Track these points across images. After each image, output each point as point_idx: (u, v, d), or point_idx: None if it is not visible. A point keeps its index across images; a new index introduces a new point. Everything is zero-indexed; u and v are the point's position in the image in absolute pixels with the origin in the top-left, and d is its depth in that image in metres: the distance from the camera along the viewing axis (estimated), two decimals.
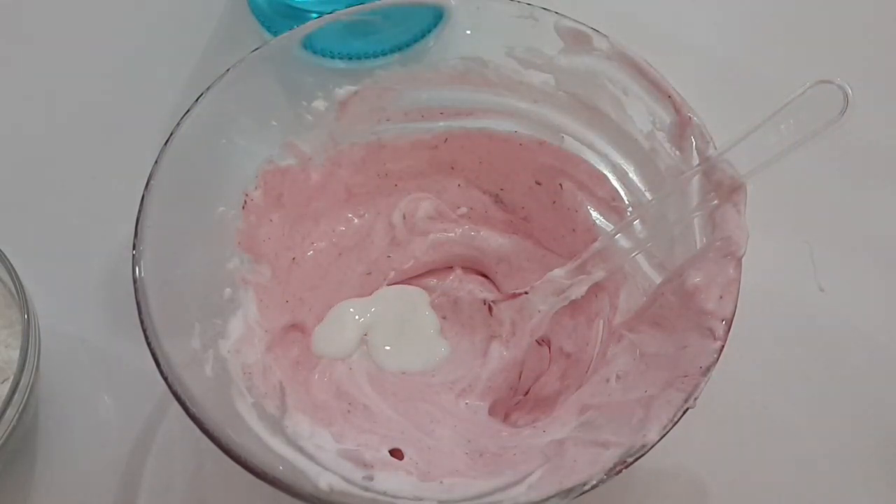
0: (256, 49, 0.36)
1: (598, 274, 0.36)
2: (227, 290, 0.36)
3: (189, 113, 0.34)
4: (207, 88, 0.35)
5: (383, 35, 0.41)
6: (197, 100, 0.34)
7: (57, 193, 0.46)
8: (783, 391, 0.40)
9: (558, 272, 0.37)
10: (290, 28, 0.46)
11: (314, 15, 0.47)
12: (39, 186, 0.46)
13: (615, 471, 0.27)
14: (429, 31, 0.47)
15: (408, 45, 0.41)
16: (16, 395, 0.34)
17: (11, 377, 0.35)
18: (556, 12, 0.35)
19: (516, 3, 0.36)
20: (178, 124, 0.34)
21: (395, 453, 0.34)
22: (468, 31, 0.38)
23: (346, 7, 0.46)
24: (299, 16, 0.48)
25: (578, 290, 0.37)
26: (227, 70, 0.35)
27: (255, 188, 0.37)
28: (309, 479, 0.29)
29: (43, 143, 0.47)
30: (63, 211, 0.45)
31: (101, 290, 0.42)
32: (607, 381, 0.34)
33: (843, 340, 0.41)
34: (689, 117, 0.33)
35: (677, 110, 0.33)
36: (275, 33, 0.49)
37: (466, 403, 0.37)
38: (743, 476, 0.38)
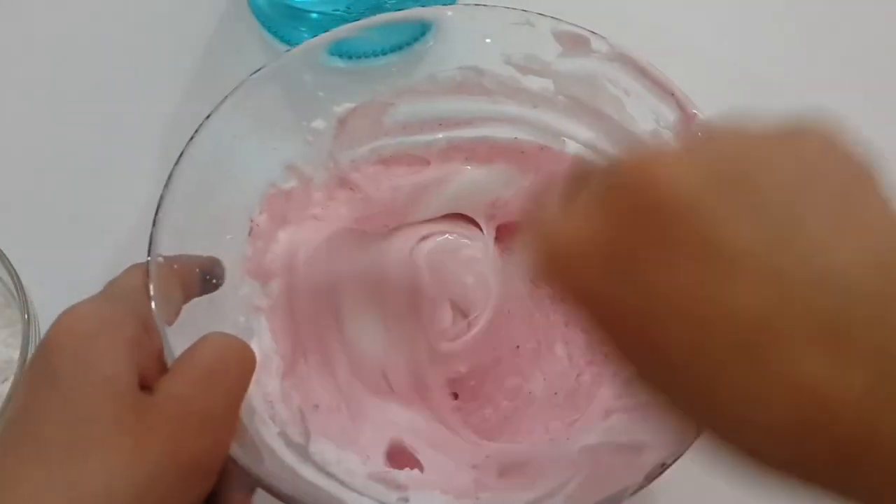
0: (255, 72, 0.35)
1: None
2: (241, 319, 0.35)
3: (192, 142, 0.33)
4: (207, 118, 0.34)
5: (383, 36, 0.41)
6: (197, 130, 0.34)
7: (57, 193, 0.46)
8: None
9: None
10: (290, 28, 0.46)
11: (314, 15, 0.48)
12: (39, 186, 0.46)
13: (654, 474, 0.27)
14: (427, 30, 0.47)
15: (408, 44, 0.41)
16: None
17: (11, 377, 0.35)
18: (553, 17, 0.35)
19: (512, 9, 0.36)
20: (177, 160, 0.33)
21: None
22: (464, 41, 0.37)
23: (346, 7, 0.46)
24: (299, 16, 0.48)
25: None
26: (225, 98, 0.34)
27: (260, 213, 0.37)
28: None
29: (43, 143, 0.47)
30: (63, 211, 0.45)
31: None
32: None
33: None
34: (693, 113, 0.33)
35: (681, 107, 0.33)
36: (275, 33, 0.49)
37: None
38: None
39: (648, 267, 0.19)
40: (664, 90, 0.34)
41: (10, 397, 0.34)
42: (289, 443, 0.32)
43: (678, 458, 0.27)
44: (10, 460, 0.23)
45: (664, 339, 0.19)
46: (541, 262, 0.22)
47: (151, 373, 0.25)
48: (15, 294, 0.37)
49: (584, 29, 0.35)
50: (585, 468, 0.30)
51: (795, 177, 0.19)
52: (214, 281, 0.32)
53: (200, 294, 0.31)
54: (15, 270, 0.37)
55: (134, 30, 0.51)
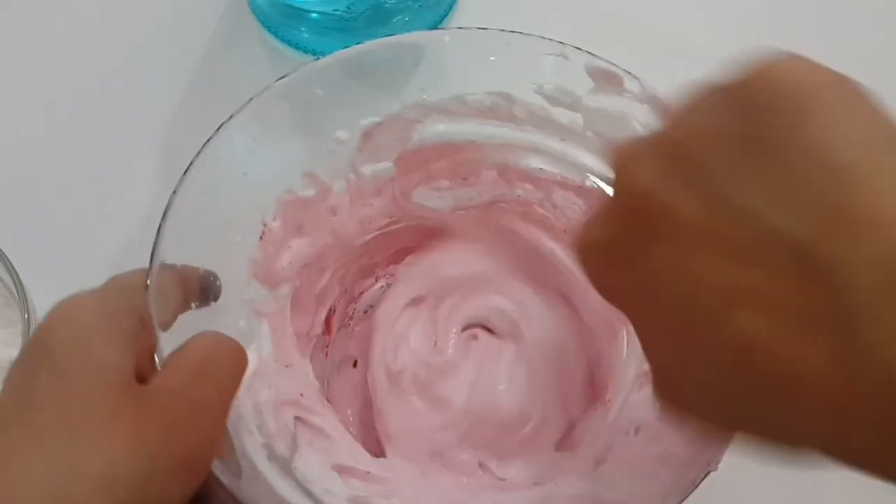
0: (281, 78, 0.35)
1: None
2: (242, 323, 0.35)
3: (210, 142, 0.33)
4: (230, 117, 0.34)
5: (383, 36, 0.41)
6: (218, 129, 0.34)
7: (57, 193, 0.46)
8: None
9: None
10: (290, 28, 0.46)
11: (314, 15, 0.47)
12: (39, 186, 0.46)
13: None
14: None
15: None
16: None
17: None
18: (588, 52, 0.35)
19: (548, 40, 0.35)
20: (197, 153, 0.33)
21: None
22: (497, 67, 0.37)
23: (347, 7, 0.46)
24: (300, 16, 0.48)
25: None
26: (251, 99, 0.34)
27: (274, 218, 0.37)
28: None
29: (43, 143, 0.47)
30: (63, 211, 0.45)
31: None
32: (627, 433, 0.33)
33: None
34: None
35: None
36: (275, 33, 0.49)
37: None
38: None
39: (633, 257, 0.21)
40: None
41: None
42: (271, 455, 0.31)
43: None
44: (5, 441, 0.22)
45: (659, 315, 0.21)
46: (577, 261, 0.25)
47: (146, 367, 0.25)
48: (15, 294, 0.37)
49: (618, 67, 0.34)
50: None
51: (729, 142, 0.19)
52: (212, 297, 0.31)
53: (198, 304, 0.31)
54: (15, 270, 0.37)
55: (134, 30, 0.51)
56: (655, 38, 0.48)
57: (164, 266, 0.30)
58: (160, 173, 0.44)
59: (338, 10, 0.46)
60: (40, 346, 0.24)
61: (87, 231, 0.44)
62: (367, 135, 0.38)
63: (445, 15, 0.50)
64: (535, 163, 0.38)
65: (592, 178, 0.37)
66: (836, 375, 0.17)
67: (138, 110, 0.45)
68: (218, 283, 0.32)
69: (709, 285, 0.19)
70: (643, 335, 0.23)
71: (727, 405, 0.20)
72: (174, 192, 0.32)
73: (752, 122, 0.19)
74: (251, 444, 0.31)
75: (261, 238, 0.37)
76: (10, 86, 0.49)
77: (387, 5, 0.46)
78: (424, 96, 0.38)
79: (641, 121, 0.34)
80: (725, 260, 0.19)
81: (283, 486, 0.30)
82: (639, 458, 0.31)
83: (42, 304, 0.38)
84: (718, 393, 0.20)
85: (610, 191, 0.37)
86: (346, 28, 0.46)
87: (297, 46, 0.49)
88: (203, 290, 0.31)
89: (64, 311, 0.25)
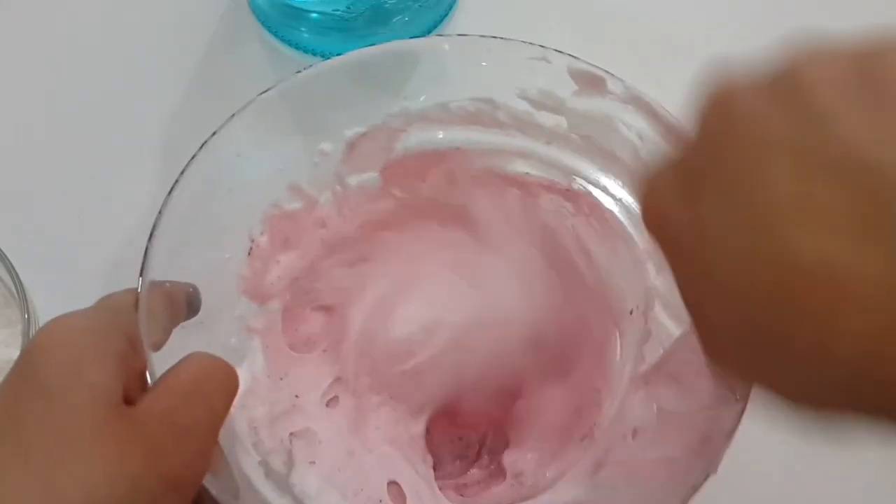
0: (263, 92, 0.35)
1: None
2: (232, 341, 0.35)
3: (194, 160, 0.33)
4: (213, 134, 0.34)
5: (383, 37, 0.41)
6: (201, 146, 0.33)
7: (57, 193, 0.45)
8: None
9: None
10: (290, 28, 0.46)
11: (314, 15, 0.47)
12: (39, 186, 0.46)
13: None
14: (428, 33, 0.48)
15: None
16: None
17: None
18: (570, 54, 0.35)
19: (529, 44, 0.35)
20: (182, 172, 0.33)
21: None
22: (479, 72, 0.37)
23: (347, 7, 0.46)
24: (299, 16, 0.48)
25: None
26: (232, 115, 0.34)
27: (261, 234, 0.37)
28: None
29: (43, 143, 0.47)
30: (63, 211, 0.45)
31: (101, 290, 0.41)
32: (624, 437, 0.33)
33: None
34: None
35: None
36: (275, 33, 0.49)
37: None
38: None
39: (708, 174, 0.20)
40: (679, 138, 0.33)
41: None
42: (269, 472, 0.31)
43: None
44: None
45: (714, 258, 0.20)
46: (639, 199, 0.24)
47: (134, 389, 0.25)
48: (15, 294, 0.37)
49: (601, 69, 0.34)
50: None
51: (842, 84, 0.19)
52: (195, 310, 0.31)
53: (185, 319, 0.31)
54: (15, 270, 0.37)
55: (134, 30, 0.50)
56: (655, 38, 0.48)
57: (153, 285, 0.29)
58: (160, 173, 0.44)
59: (338, 11, 0.46)
60: (29, 366, 0.24)
61: (87, 231, 0.44)
62: (352, 145, 0.38)
63: (445, 15, 0.49)
64: (521, 167, 0.38)
65: (579, 180, 0.37)
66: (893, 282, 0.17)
67: (138, 110, 0.45)
68: (199, 295, 0.32)
69: (783, 195, 0.18)
70: (688, 281, 0.22)
71: (771, 347, 0.19)
72: (160, 212, 0.32)
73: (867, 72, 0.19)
74: (247, 463, 0.31)
75: (249, 254, 0.36)
76: (10, 86, 0.49)
77: (387, 5, 0.46)
78: (407, 104, 0.37)
79: (626, 122, 0.34)
80: (804, 175, 0.18)
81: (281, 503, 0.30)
82: (638, 461, 0.31)
83: (42, 304, 0.38)
84: (763, 331, 0.19)
85: (598, 194, 0.37)
86: (346, 28, 0.46)
87: (297, 46, 0.48)
88: (189, 305, 0.31)
89: (53, 331, 0.24)
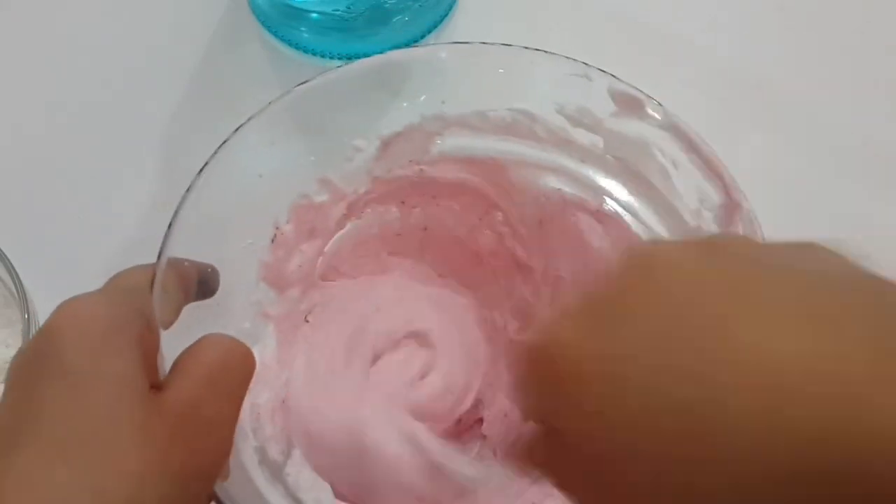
0: (302, 83, 0.35)
1: None
2: (247, 325, 0.35)
3: (226, 143, 0.33)
4: (248, 119, 0.34)
5: (383, 37, 0.40)
6: (236, 130, 0.34)
7: (57, 193, 0.46)
8: None
9: None
10: (290, 28, 0.46)
11: (314, 15, 0.47)
12: (39, 186, 0.46)
13: None
14: (428, 33, 0.48)
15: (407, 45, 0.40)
16: None
17: None
18: (612, 74, 0.34)
19: (572, 60, 0.35)
20: (214, 153, 0.33)
21: None
22: (519, 84, 0.36)
23: (347, 7, 0.46)
24: (299, 16, 0.48)
25: None
26: (269, 103, 0.34)
27: (287, 222, 0.37)
28: None
29: (43, 144, 0.47)
30: (63, 211, 0.45)
31: None
32: None
33: None
34: (739, 202, 0.31)
35: (728, 193, 0.32)
36: (275, 33, 0.49)
37: None
38: None
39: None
40: (713, 171, 0.32)
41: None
42: (263, 460, 0.31)
43: None
44: (21, 458, 0.21)
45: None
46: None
47: (153, 371, 0.25)
48: (15, 294, 0.37)
49: (641, 92, 0.34)
50: None
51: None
52: (210, 291, 0.31)
53: (196, 299, 0.31)
54: (15, 270, 0.37)
55: (134, 30, 0.51)
56: (655, 39, 0.47)
57: (170, 262, 0.29)
58: (160, 173, 0.44)
59: (338, 10, 0.46)
60: (47, 353, 0.23)
61: (87, 231, 0.44)
62: (386, 144, 0.38)
63: (445, 15, 0.49)
64: (553, 183, 0.38)
65: (610, 201, 0.37)
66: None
67: (138, 110, 0.45)
68: (217, 276, 0.32)
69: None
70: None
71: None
72: (188, 189, 0.32)
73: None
74: (244, 447, 0.31)
75: (272, 241, 0.37)
76: (10, 86, 0.49)
77: (387, 5, 0.46)
78: (445, 109, 0.37)
79: (662, 148, 0.34)
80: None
81: (271, 491, 0.30)
82: None
83: (42, 304, 0.38)
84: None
85: (628, 218, 0.37)
86: (347, 28, 0.46)
87: (297, 46, 0.48)
88: (201, 284, 0.31)
89: (70, 315, 0.24)
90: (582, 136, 0.36)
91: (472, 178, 0.39)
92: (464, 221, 0.40)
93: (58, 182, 0.46)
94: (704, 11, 0.49)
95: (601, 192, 0.37)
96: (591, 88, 0.34)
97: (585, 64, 0.34)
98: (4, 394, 0.23)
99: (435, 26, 0.49)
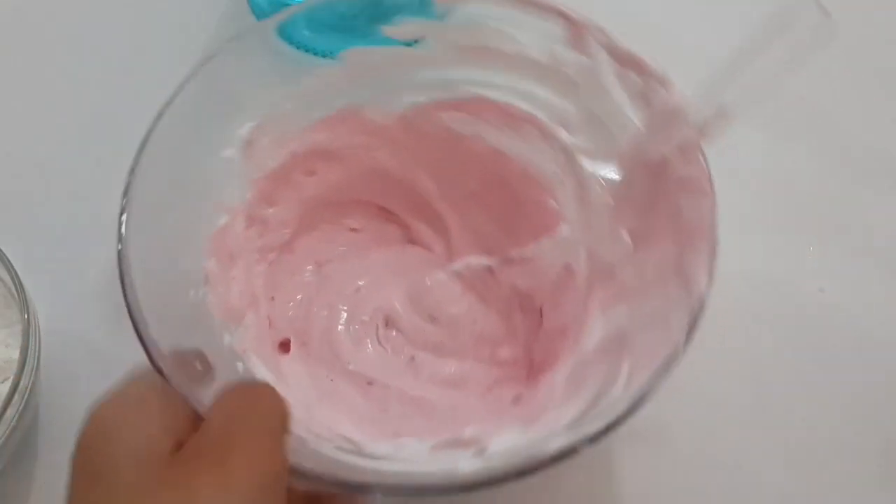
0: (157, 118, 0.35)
1: None
2: (239, 365, 0.34)
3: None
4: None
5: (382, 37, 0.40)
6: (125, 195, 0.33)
7: (57, 194, 0.46)
8: (781, 391, 0.41)
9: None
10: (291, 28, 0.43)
11: None
12: (39, 186, 0.46)
13: (692, 333, 0.28)
14: None
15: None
16: (16, 395, 0.35)
17: (11, 377, 0.35)
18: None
19: None
20: (120, 242, 0.33)
21: None
22: None
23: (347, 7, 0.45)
24: None
25: None
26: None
27: (209, 258, 0.36)
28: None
29: (43, 144, 0.47)
30: (63, 211, 0.45)
31: (101, 289, 0.42)
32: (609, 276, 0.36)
33: (842, 341, 0.42)
34: (581, 22, 0.35)
35: (567, 19, 0.35)
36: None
37: None
38: (736, 469, 0.39)
39: None
40: (549, 11, 0.35)
41: (10, 397, 0.34)
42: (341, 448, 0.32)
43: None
44: None
45: None
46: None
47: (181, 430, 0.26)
48: (15, 294, 0.37)
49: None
50: (623, 356, 0.31)
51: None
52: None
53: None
54: (15, 270, 0.37)
55: (134, 30, 0.51)
56: (656, 38, 0.48)
57: (174, 354, 0.29)
58: None
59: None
60: (82, 462, 0.25)
61: (87, 231, 0.43)
62: (249, 143, 0.38)
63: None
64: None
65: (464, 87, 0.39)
66: None
67: (138, 110, 0.41)
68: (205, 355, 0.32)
69: None
70: None
71: None
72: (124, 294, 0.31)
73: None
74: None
75: (205, 283, 0.36)
76: (10, 86, 0.50)
77: (387, 4, 0.45)
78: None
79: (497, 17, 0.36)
80: None
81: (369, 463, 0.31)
82: (634, 287, 0.34)
83: (42, 305, 0.38)
84: None
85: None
86: (347, 28, 0.45)
87: (297, 46, 0.46)
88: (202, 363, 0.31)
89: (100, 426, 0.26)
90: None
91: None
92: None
93: (58, 182, 0.46)
94: (705, 11, 0.51)
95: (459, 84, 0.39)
96: None
97: None
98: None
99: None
